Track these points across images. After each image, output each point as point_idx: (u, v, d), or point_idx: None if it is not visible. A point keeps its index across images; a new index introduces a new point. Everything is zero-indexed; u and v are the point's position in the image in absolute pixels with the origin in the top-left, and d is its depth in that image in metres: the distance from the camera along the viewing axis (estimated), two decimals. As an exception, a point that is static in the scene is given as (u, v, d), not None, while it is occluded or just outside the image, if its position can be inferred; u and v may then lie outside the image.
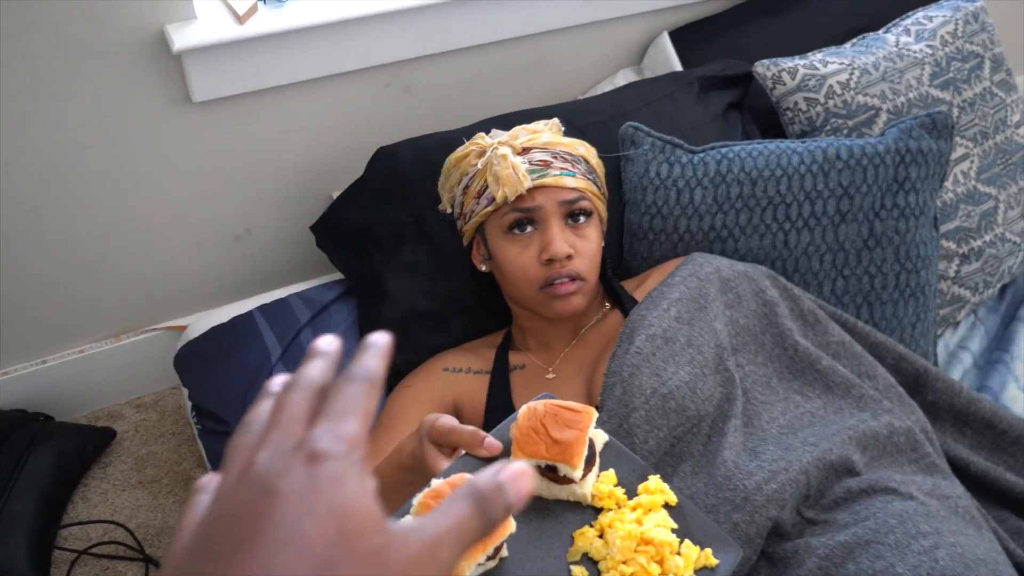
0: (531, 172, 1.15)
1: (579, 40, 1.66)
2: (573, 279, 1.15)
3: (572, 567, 0.78)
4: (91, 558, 1.44)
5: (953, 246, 1.47)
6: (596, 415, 0.82)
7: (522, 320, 1.26)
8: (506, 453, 0.82)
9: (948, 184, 1.48)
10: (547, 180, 1.15)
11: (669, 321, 1.13)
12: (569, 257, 1.15)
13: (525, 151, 1.17)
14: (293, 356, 1.34)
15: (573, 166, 1.18)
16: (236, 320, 1.39)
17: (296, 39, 1.36)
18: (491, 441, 0.81)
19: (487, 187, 1.17)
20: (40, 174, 1.37)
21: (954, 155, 1.50)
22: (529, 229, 1.16)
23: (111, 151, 1.39)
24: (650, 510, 0.81)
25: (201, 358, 1.37)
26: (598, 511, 0.81)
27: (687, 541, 0.80)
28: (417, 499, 0.73)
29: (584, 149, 1.23)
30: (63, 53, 1.25)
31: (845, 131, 1.47)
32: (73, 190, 1.41)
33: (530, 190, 1.15)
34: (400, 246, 1.37)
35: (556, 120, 1.26)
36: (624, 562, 0.77)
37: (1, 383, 1.54)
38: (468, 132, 1.29)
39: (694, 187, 1.35)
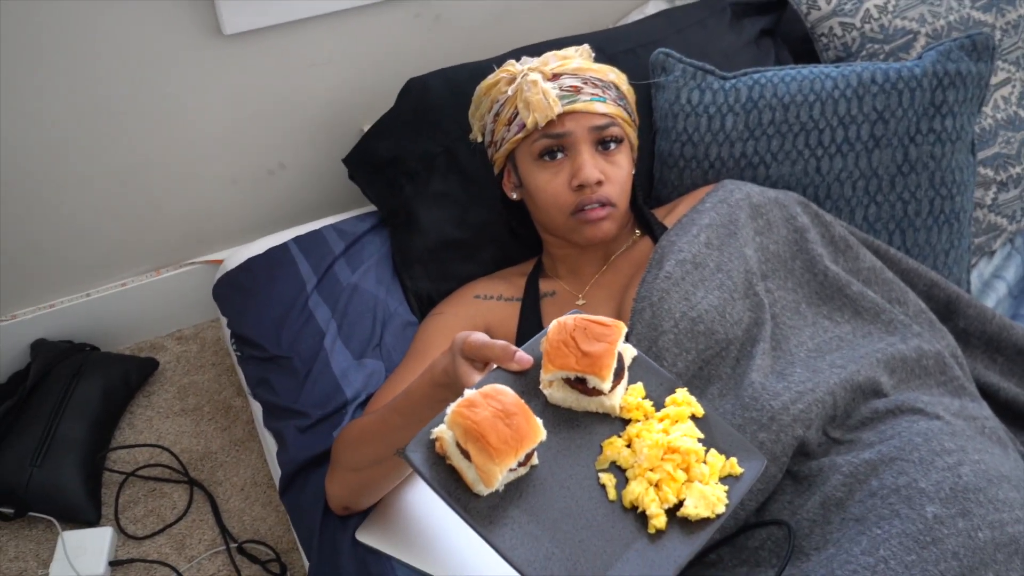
0: (561, 98, 1.15)
1: (610, -32, 1.64)
2: (603, 205, 1.16)
3: (600, 474, 0.80)
4: (138, 480, 1.50)
5: (991, 173, 1.45)
6: (625, 329, 0.84)
7: (552, 248, 1.27)
8: (536, 367, 0.84)
9: (987, 109, 1.45)
10: (577, 106, 1.15)
11: (699, 247, 1.14)
12: (599, 183, 1.15)
13: (555, 77, 1.18)
14: (327, 285, 1.37)
15: (603, 91, 1.18)
16: (272, 251, 1.42)
17: (325, -32, 1.36)
18: (522, 355, 0.84)
19: (517, 114, 1.17)
20: (77, 108, 1.39)
21: (995, 79, 1.47)
22: (560, 156, 1.17)
23: (145, 85, 1.41)
24: (677, 421, 0.83)
25: (238, 288, 1.40)
26: (626, 422, 0.84)
27: (712, 450, 0.82)
28: (451, 409, 0.76)
29: (614, 75, 1.22)
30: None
31: (882, 56, 1.45)
32: (110, 124, 1.43)
33: (560, 116, 1.15)
34: (431, 176, 1.39)
35: (587, 46, 1.26)
36: (651, 469, 0.79)
37: (48, 315, 1.59)
38: (499, 61, 1.28)
39: (725, 113, 1.34)
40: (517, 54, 1.32)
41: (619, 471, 0.81)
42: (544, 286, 1.26)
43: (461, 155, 1.37)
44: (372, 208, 1.49)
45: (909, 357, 1.11)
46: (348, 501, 1.08)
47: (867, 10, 1.45)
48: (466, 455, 0.74)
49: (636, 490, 0.78)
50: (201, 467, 1.53)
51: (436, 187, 1.39)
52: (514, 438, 0.73)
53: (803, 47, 1.54)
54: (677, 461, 0.80)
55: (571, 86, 1.17)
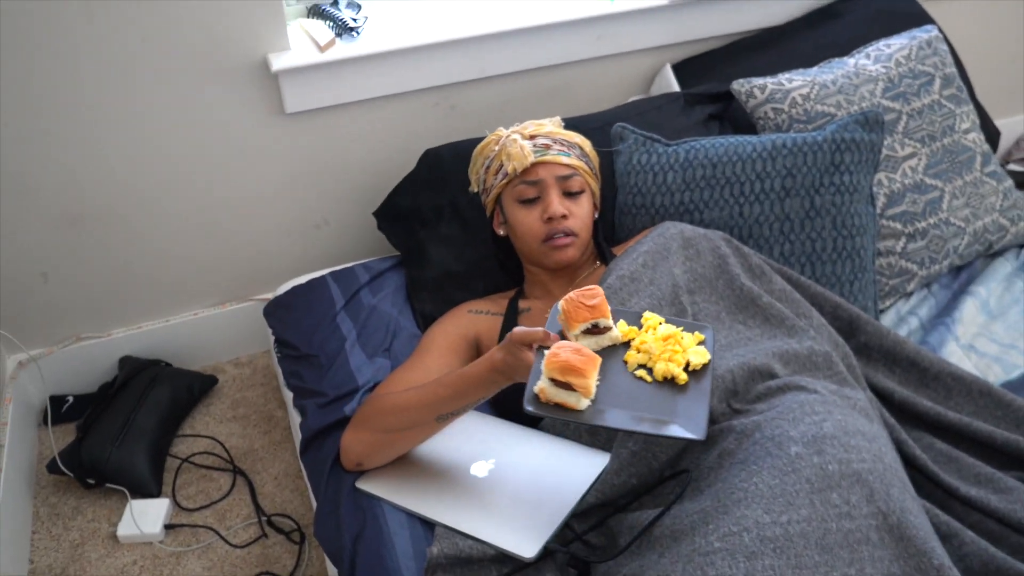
0: (535, 151, 1.51)
1: (595, 71, 2.04)
2: (568, 235, 1.50)
3: (634, 373, 1.20)
4: (193, 466, 1.83)
5: (899, 226, 1.74)
6: (600, 289, 1.23)
7: (530, 272, 1.60)
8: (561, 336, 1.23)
9: (896, 176, 1.76)
10: (547, 157, 1.51)
11: (636, 266, 1.45)
12: (564, 216, 1.50)
13: (532, 137, 1.54)
14: (353, 306, 1.72)
15: (569, 149, 1.54)
16: (312, 281, 1.79)
17: (364, 65, 1.78)
18: (552, 334, 1.20)
19: (502, 164, 1.53)
20: (165, 165, 1.80)
21: (902, 153, 1.78)
22: (535, 201, 1.52)
23: (222, 151, 1.82)
24: (653, 327, 1.24)
25: (284, 307, 1.76)
26: (626, 345, 1.23)
27: (682, 329, 1.23)
28: (543, 365, 1.13)
29: (579, 139, 1.58)
30: (190, 71, 1.70)
31: (805, 133, 1.78)
32: (192, 184, 1.84)
33: (534, 164, 1.50)
34: (439, 223, 1.75)
35: (558, 117, 1.62)
36: (662, 353, 1.19)
37: (135, 335, 1.98)
38: None
39: (667, 171, 1.68)
40: None
41: (643, 368, 1.21)
42: (522, 304, 1.58)
43: (461, 206, 1.74)
44: (395, 254, 1.86)
45: (801, 353, 1.38)
46: (364, 458, 1.35)
47: (793, 98, 1.80)
48: (565, 386, 1.11)
49: (661, 368, 1.18)
50: (244, 460, 1.85)
51: (443, 231, 1.75)
52: (588, 358, 1.12)
53: (748, 129, 1.89)
54: (672, 342, 1.20)
55: (543, 144, 1.53)
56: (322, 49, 1.73)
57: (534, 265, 1.58)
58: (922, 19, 2.10)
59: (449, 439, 1.37)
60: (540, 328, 1.20)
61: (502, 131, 1.58)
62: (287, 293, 1.79)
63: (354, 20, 1.78)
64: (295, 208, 1.96)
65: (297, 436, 1.58)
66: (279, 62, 1.70)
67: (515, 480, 1.29)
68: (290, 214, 1.97)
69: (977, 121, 1.90)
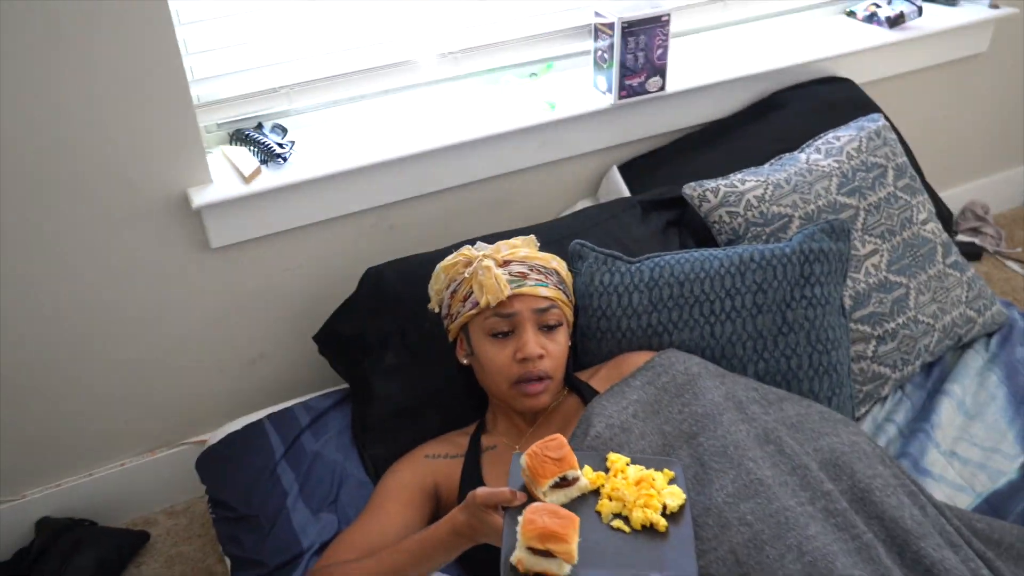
0: (510, 282, 1.37)
1: (540, 177, 1.95)
2: (541, 379, 1.37)
3: (610, 525, 1.11)
4: (125, 644, 1.64)
5: (868, 329, 1.67)
6: (563, 437, 1.13)
7: (494, 404, 1.47)
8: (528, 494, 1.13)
9: (860, 276, 1.69)
10: (524, 289, 1.38)
11: (627, 416, 1.32)
12: (540, 357, 1.36)
13: (506, 263, 1.40)
14: (293, 454, 1.57)
15: (546, 277, 1.42)
16: (248, 427, 1.64)
17: (292, 193, 1.66)
18: (519, 493, 1.11)
19: (472, 292, 1.39)
20: (85, 312, 1.65)
21: (864, 251, 1.72)
22: (508, 335, 1.38)
23: (143, 290, 1.68)
24: (621, 470, 1.15)
25: (218, 459, 1.61)
26: (596, 493, 1.14)
27: (652, 469, 1.15)
28: (519, 532, 1.03)
29: (556, 263, 1.47)
30: (108, 213, 1.56)
31: (763, 237, 1.71)
32: (113, 324, 1.69)
33: (509, 297, 1.37)
34: (384, 351, 1.61)
35: (532, 237, 1.51)
36: (637, 500, 1.10)
37: (53, 494, 1.79)
38: (446, 252, 1.52)
39: (632, 291, 1.58)
40: (465, 244, 1.54)
41: (619, 517, 1.12)
42: (486, 441, 1.44)
43: (411, 333, 1.60)
44: (339, 387, 1.72)
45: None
46: None
47: (748, 200, 1.73)
48: (544, 553, 1.02)
49: (639, 516, 1.10)
50: (182, 629, 1.67)
51: (389, 360, 1.61)
52: (567, 521, 1.04)
53: (705, 233, 1.81)
54: (645, 486, 1.11)
55: (519, 272, 1.40)
56: (247, 180, 1.61)
57: (501, 401, 1.45)
58: (864, 103, 2.08)
59: None
60: (505, 488, 1.09)
61: (471, 251, 1.45)
62: (221, 443, 1.63)
63: (280, 145, 1.66)
64: (228, 344, 1.82)
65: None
66: (200, 198, 1.58)
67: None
68: (223, 351, 1.82)
69: (933, 210, 1.86)
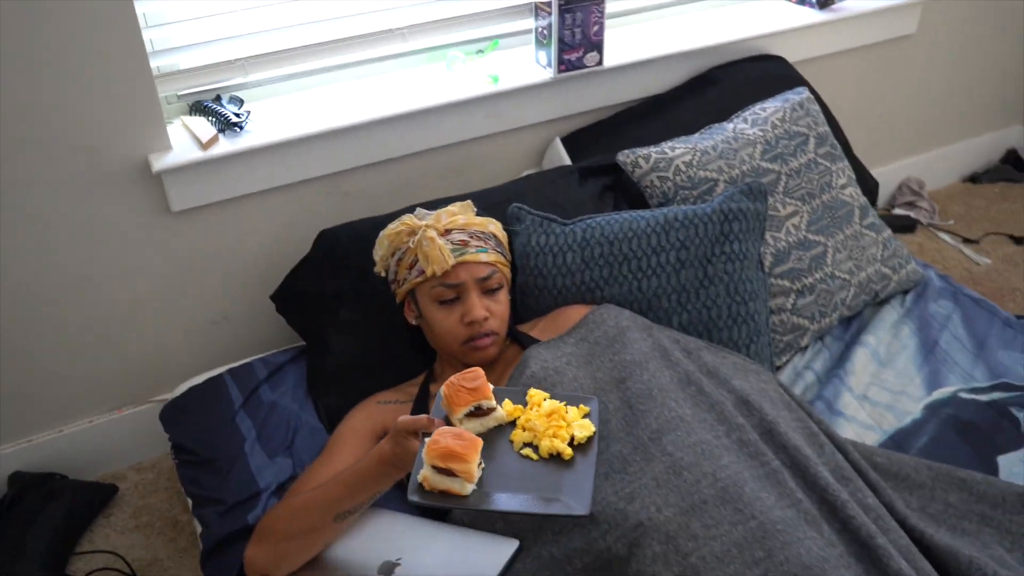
0: (453, 251, 1.48)
1: (488, 148, 2.06)
2: (488, 335, 1.49)
3: (520, 452, 1.20)
4: (93, 585, 1.75)
5: (788, 283, 1.80)
6: (482, 370, 1.23)
7: (443, 355, 1.58)
8: (446, 421, 1.21)
9: (781, 235, 1.82)
10: (466, 257, 1.49)
11: (561, 363, 1.44)
12: (486, 319, 1.48)
13: (447, 232, 1.50)
14: (251, 404, 1.68)
15: (485, 242, 1.52)
16: (209, 380, 1.74)
17: (249, 159, 1.76)
18: (437, 420, 1.19)
19: (417, 261, 1.49)
20: (52, 274, 1.74)
21: (785, 212, 1.84)
22: (454, 302, 1.49)
23: (111, 253, 1.77)
24: (537, 404, 1.24)
25: (180, 410, 1.71)
26: (512, 423, 1.24)
27: (566, 404, 1.24)
28: (423, 452, 1.12)
29: (493, 226, 1.58)
30: (68, 178, 1.66)
31: (691, 200, 1.83)
32: (79, 285, 1.78)
33: (454, 266, 1.47)
34: (339, 308, 1.72)
35: (469, 202, 1.61)
36: (547, 430, 1.19)
37: (25, 449, 1.88)
38: (395, 217, 1.61)
39: (566, 251, 1.69)
40: (411, 209, 1.65)
41: (529, 446, 1.21)
42: (434, 388, 1.55)
43: (363, 292, 1.70)
44: (295, 345, 1.82)
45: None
46: (270, 568, 1.30)
47: (677, 166, 1.85)
48: (446, 472, 1.11)
49: (547, 444, 1.19)
50: (148, 572, 1.77)
51: (344, 317, 1.71)
52: (469, 443, 1.13)
53: (638, 197, 1.93)
54: (556, 418, 1.21)
55: (460, 240, 1.50)
56: (204, 147, 1.71)
57: (450, 356, 1.56)
58: (795, 80, 2.20)
59: (354, 540, 1.33)
60: (424, 416, 1.20)
61: (412, 220, 1.54)
62: (183, 395, 1.73)
63: (237, 115, 1.76)
64: (191, 306, 1.92)
65: (197, 532, 1.53)
66: (160, 163, 1.68)
67: (424, 579, 1.27)
68: (186, 312, 1.92)
69: (853, 176, 1.99)
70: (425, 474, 1.12)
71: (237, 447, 1.59)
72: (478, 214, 1.61)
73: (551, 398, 1.27)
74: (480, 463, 1.15)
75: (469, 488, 1.13)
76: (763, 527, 1.18)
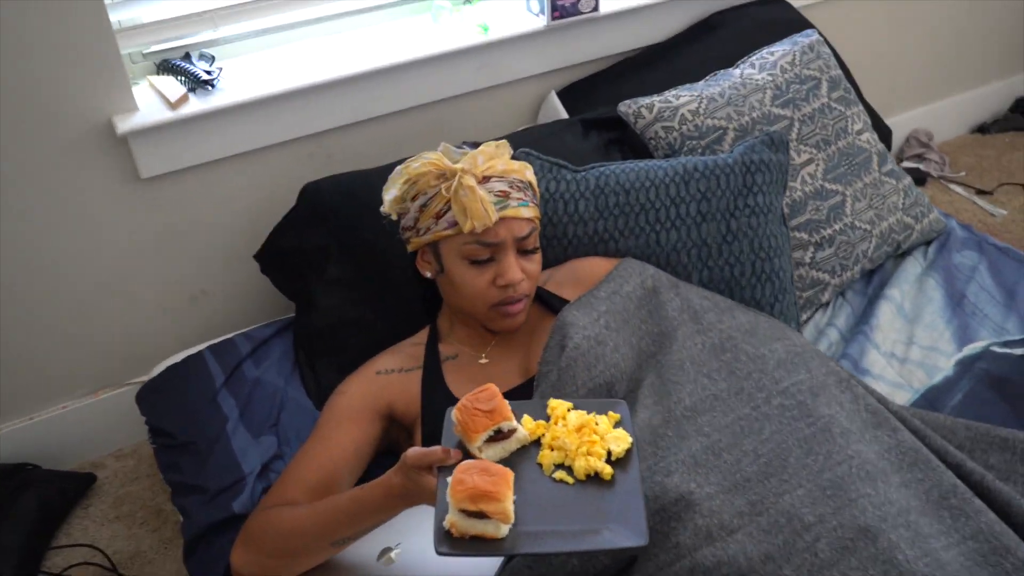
0: (495, 202, 1.27)
1: (480, 103, 1.93)
2: (521, 299, 1.32)
3: (553, 477, 1.03)
4: (72, 581, 1.63)
5: (806, 236, 1.68)
6: (495, 386, 1.06)
7: (453, 312, 1.40)
8: (462, 450, 1.05)
9: (796, 184, 1.70)
10: (508, 212, 1.28)
11: (600, 328, 1.30)
12: (521, 280, 1.30)
13: (485, 179, 1.28)
14: (234, 381, 1.55)
15: (524, 193, 1.32)
16: (188, 359, 1.61)
17: (223, 119, 1.63)
18: (453, 451, 1.04)
19: (449, 210, 1.27)
20: (15, 251, 1.61)
21: (800, 160, 1.72)
22: (488, 262, 1.30)
23: (77, 226, 1.64)
24: (562, 416, 1.08)
25: (157, 391, 1.58)
26: (537, 442, 1.07)
27: (594, 413, 1.08)
28: (448, 496, 0.95)
29: (530, 173, 1.35)
30: (26, 146, 1.52)
31: (699, 150, 1.70)
32: (45, 262, 1.65)
33: (494, 223, 1.27)
34: (326, 264, 1.58)
35: (506, 142, 1.36)
36: (579, 447, 1.03)
37: (-6, 439, 1.76)
38: (386, 170, 1.44)
39: (578, 199, 1.56)
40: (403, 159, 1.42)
41: (561, 468, 1.04)
42: (444, 350, 1.38)
43: (352, 245, 1.56)
44: (279, 319, 1.70)
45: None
46: None
47: (682, 114, 1.72)
48: (477, 515, 0.94)
49: (582, 464, 1.03)
50: (131, 565, 1.65)
51: (332, 273, 1.57)
52: (500, 478, 0.96)
53: (645, 152, 1.80)
54: (587, 432, 1.05)
55: (501, 191, 1.28)
56: (173, 106, 1.58)
57: (470, 317, 1.38)
58: (801, 24, 2.08)
59: None
60: (438, 448, 1.03)
61: (442, 160, 1.30)
62: (161, 375, 1.60)
63: (208, 72, 1.63)
64: (167, 280, 1.79)
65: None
66: (125, 124, 1.54)
67: (423, 566, 1.16)
68: (163, 287, 1.79)
69: (868, 121, 1.87)
70: (452, 520, 0.95)
71: (218, 428, 1.47)
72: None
73: (575, 408, 1.10)
74: (513, 498, 0.98)
75: (505, 530, 0.95)
76: (811, 495, 1.08)
